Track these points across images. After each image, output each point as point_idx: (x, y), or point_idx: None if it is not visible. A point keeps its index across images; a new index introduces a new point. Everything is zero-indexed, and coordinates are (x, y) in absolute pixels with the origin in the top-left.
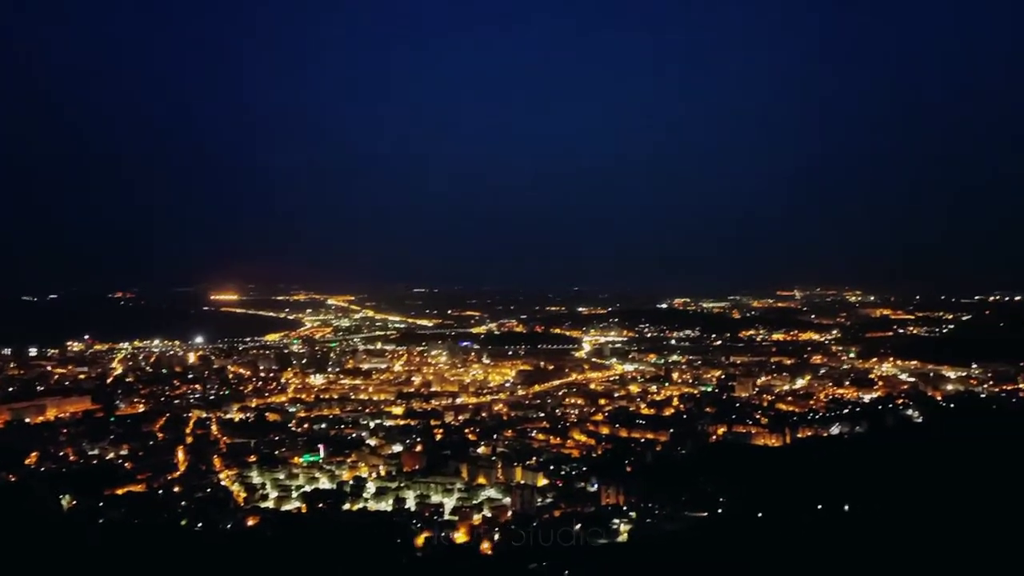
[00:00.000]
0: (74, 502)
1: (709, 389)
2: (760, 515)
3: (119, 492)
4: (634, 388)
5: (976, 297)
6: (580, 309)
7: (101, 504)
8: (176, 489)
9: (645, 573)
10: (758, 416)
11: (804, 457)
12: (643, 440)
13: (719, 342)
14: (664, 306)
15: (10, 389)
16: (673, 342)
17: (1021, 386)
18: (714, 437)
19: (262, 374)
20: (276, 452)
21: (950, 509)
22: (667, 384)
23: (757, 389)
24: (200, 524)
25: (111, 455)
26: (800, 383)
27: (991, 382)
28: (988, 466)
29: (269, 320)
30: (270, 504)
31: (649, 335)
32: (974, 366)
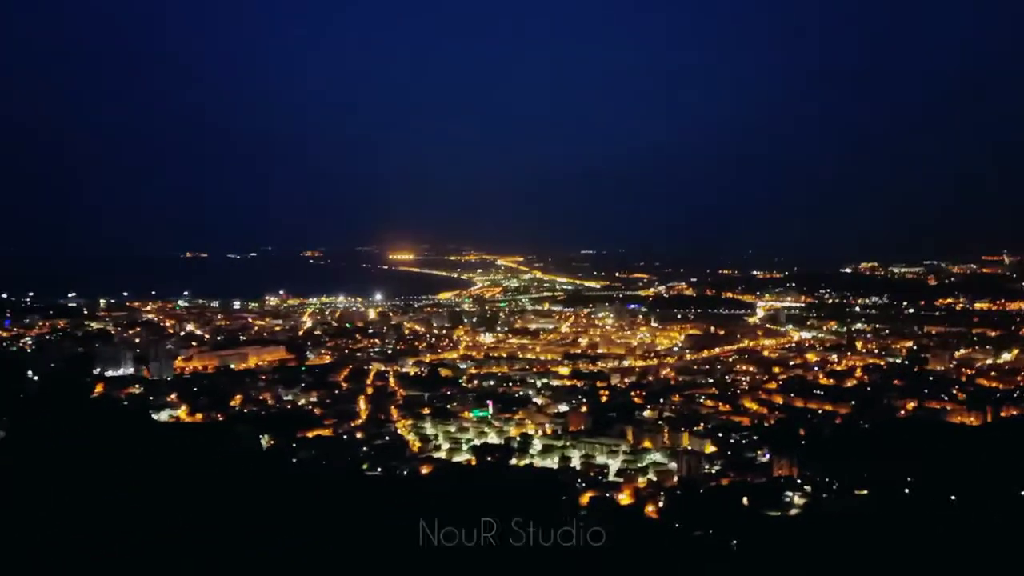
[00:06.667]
0: (272, 442)
1: (898, 361)
2: (952, 499)
3: (309, 435)
4: (811, 357)
5: None
6: (754, 273)
7: (294, 445)
8: (358, 435)
9: (822, 551)
10: (955, 391)
11: (1007, 439)
12: (820, 412)
13: (911, 310)
14: (848, 270)
15: (219, 338)
16: (857, 309)
17: None
18: (902, 412)
19: (435, 331)
20: (448, 406)
21: None
22: (849, 354)
23: (955, 362)
24: (379, 469)
25: (302, 401)
26: (1006, 357)
27: None
28: None
29: (442, 279)
30: (442, 455)
31: (830, 301)
32: None
